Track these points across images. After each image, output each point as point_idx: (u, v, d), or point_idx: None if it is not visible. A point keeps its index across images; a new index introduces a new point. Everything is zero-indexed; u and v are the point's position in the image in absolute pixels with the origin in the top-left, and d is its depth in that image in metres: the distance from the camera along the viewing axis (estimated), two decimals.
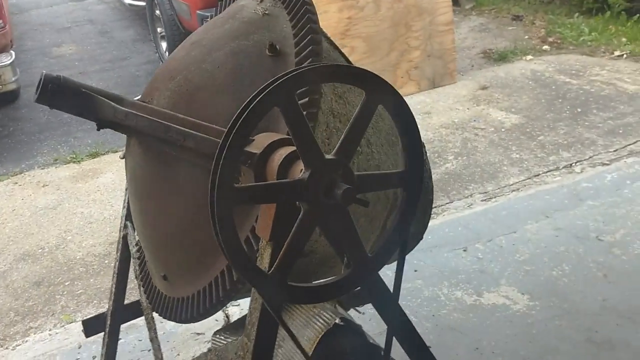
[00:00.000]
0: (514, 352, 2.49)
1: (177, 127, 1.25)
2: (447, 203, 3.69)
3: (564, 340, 2.53)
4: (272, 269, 1.05)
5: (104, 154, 4.85)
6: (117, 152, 4.86)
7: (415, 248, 3.07)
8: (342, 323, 1.35)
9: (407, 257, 2.98)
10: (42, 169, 4.72)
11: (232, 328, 1.66)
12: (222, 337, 1.64)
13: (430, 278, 2.98)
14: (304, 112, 1.24)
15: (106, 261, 3.43)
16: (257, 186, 1.03)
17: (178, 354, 2.68)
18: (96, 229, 3.76)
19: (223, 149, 0.96)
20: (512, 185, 3.83)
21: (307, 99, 1.29)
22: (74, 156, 4.84)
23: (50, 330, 2.95)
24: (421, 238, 1.94)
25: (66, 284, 3.30)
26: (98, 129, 1.44)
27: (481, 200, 3.69)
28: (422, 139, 1.20)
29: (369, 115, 1.10)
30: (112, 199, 4.10)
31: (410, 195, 1.18)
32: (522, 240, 3.24)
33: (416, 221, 1.78)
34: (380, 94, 1.09)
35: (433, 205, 3.64)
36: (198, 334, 2.72)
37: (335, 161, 1.06)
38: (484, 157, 4.23)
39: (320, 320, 1.35)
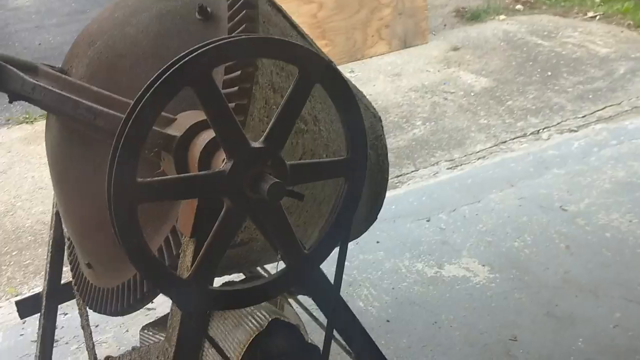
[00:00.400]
0: (472, 326, 2.44)
1: (88, 103, 1.09)
2: (412, 171, 3.60)
3: (523, 314, 2.49)
4: (190, 274, 0.93)
5: None
6: None
7: (379, 218, 2.99)
8: (276, 323, 1.24)
9: (369, 228, 2.89)
10: None
11: (161, 323, 1.54)
12: (150, 334, 1.53)
13: (392, 250, 2.91)
14: (237, 88, 1.11)
15: None
16: (164, 181, 0.90)
17: (127, 330, 2.58)
18: (47, 195, 3.58)
19: (120, 138, 0.82)
20: (478, 152, 3.74)
21: (239, 72, 1.15)
22: (27, 116, 4.61)
23: None
24: (375, 219, 1.83)
25: (13, 253, 3.15)
26: (10, 102, 1.28)
27: (447, 169, 3.60)
28: (365, 124, 1.07)
29: (303, 97, 0.97)
30: None
31: (353, 185, 1.06)
32: (485, 210, 3.17)
33: (370, 203, 1.67)
34: (317, 71, 0.96)
35: (400, 174, 3.57)
36: (149, 309, 2.61)
37: (263, 150, 0.94)
38: (452, 122, 4.13)
39: (253, 321, 1.25)
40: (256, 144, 0.93)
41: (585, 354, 2.28)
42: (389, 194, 3.17)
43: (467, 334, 2.41)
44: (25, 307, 1.97)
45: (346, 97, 1.01)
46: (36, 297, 1.98)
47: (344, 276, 2.55)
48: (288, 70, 1.32)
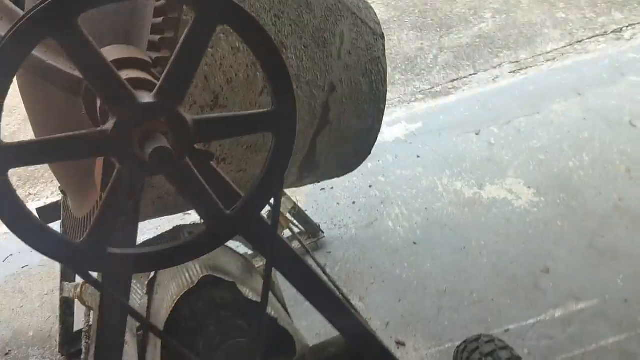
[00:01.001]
0: (503, 254, 2.30)
1: None
2: (470, 75, 3.30)
3: (561, 243, 2.30)
4: (84, 237, 0.86)
5: None
6: None
7: (424, 130, 2.79)
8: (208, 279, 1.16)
9: (412, 140, 2.69)
10: None
11: (197, 225, 1.48)
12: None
13: (432, 166, 2.73)
14: (158, 38, 0.97)
15: None
16: (32, 143, 0.80)
17: None
18: None
19: None
20: (548, 53, 3.36)
21: (161, 19, 0.99)
22: None
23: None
24: (367, 154, 1.65)
25: None
26: None
27: (509, 72, 3.28)
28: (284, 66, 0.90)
29: (203, 41, 0.82)
30: None
31: (282, 140, 0.92)
32: (543, 122, 2.88)
33: (360, 139, 1.51)
34: (218, 10, 0.80)
35: (456, 77, 3.29)
36: (185, 213, 2.63)
37: (154, 105, 0.81)
38: (525, 15, 3.70)
39: (186, 275, 1.18)
40: (146, 99, 0.81)
41: (622, 292, 2.09)
42: (438, 101, 2.94)
43: (495, 262, 2.27)
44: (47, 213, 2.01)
45: (262, 40, 0.84)
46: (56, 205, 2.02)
47: (376, 192, 2.43)
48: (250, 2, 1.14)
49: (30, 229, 0.81)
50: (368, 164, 2.76)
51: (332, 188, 2.69)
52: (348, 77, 1.40)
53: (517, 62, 3.34)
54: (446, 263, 2.30)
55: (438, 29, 3.63)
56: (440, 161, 2.76)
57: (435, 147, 2.83)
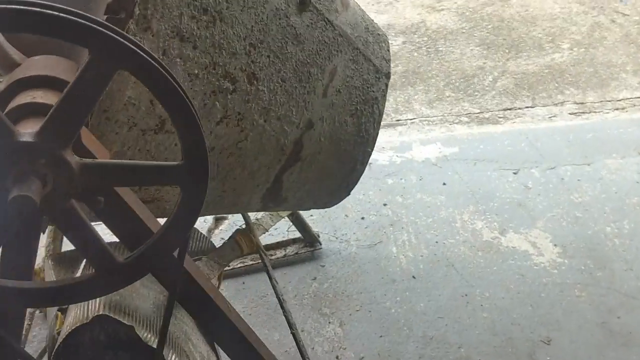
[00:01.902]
0: (506, 313, 2.12)
1: None
2: (527, 107, 3.07)
3: (573, 315, 2.10)
4: None
5: None
6: None
7: (459, 157, 2.61)
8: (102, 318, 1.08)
9: (442, 165, 2.53)
10: None
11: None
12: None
13: (456, 197, 2.56)
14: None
15: None
16: None
17: None
18: None
19: None
20: (619, 101, 3.07)
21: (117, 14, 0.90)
22: None
23: None
24: (346, 194, 1.52)
25: None
26: None
27: (570, 113, 3.02)
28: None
29: (98, 85, 0.72)
30: None
31: (190, 196, 0.82)
32: (592, 177, 2.64)
33: (340, 178, 1.39)
34: (116, 54, 0.70)
35: (510, 107, 3.06)
36: None
37: (32, 146, 0.73)
38: (606, 54, 3.40)
39: (85, 308, 1.10)
40: (25, 137, 0.73)
41: None
42: (483, 129, 2.76)
43: (495, 319, 2.11)
44: None
45: (169, 90, 0.74)
46: None
47: (389, 212, 2.28)
48: (219, 14, 1.04)
49: None
50: (389, 180, 2.63)
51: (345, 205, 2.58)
52: (331, 116, 1.27)
53: (582, 103, 3.08)
54: (442, 307, 2.16)
55: (506, 50, 3.39)
56: (466, 194, 2.58)
57: (466, 177, 2.65)
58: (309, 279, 2.28)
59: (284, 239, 2.37)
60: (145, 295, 1.07)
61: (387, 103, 3.01)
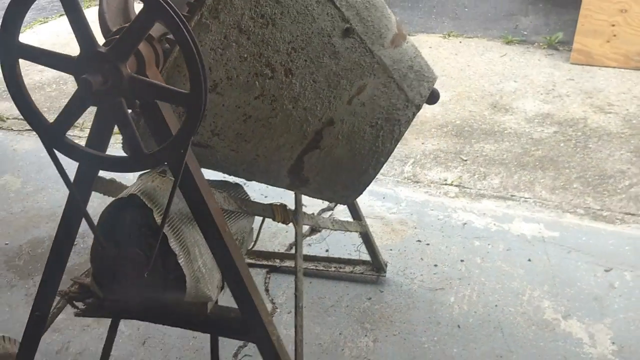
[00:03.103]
0: None
1: None
2: None
3: None
4: (53, 122, 1.31)
5: None
6: (408, 35, 5.09)
7: (556, 242, 2.67)
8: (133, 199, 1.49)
9: (535, 244, 2.62)
10: None
11: None
12: None
13: (536, 274, 2.61)
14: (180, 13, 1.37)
15: None
16: (37, 49, 1.26)
17: None
18: None
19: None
20: None
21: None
22: None
23: None
24: (356, 194, 1.77)
25: None
26: None
27: None
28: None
29: (144, 28, 1.18)
30: None
31: (189, 117, 1.24)
32: None
33: (352, 175, 1.68)
34: (159, 10, 1.15)
35: (633, 212, 2.98)
36: None
37: (103, 55, 1.21)
38: None
39: (130, 188, 1.54)
40: (101, 49, 1.21)
41: None
42: (594, 224, 2.78)
43: None
44: None
45: (180, 37, 1.16)
46: None
47: (462, 268, 2.53)
48: (272, 20, 1.46)
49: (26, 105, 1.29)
50: (476, 242, 2.78)
51: (427, 244, 2.79)
52: (351, 121, 1.60)
53: None
54: (474, 359, 2.26)
55: None
56: (547, 275, 2.61)
57: (554, 261, 2.68)
58: (365, 297, 2.54)
59: (355, 257, 2.67)
60: (175, 201, 1.49)
61: (509, 178, 3.17)
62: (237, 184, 1.86)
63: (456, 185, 3.23)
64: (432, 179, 3.31)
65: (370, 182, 1.72)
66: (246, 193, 1.88)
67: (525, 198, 3.11)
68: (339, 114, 1.58)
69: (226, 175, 1.78)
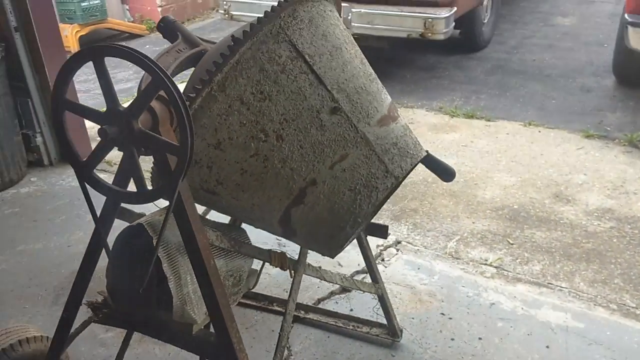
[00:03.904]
0: None
1: None
2: None
3: None
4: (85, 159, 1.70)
5: (477, 119, 5.30)
6: (488, 120, 5.26)
7: (580, 333, 2.69)
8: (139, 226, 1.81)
9: (558, 332, 2.71)
10: (421, 109, 5.58)
11: None
12: None
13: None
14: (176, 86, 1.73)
15: None
16: (79, 105, 1.66)
17: None
18: None
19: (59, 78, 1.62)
20: None
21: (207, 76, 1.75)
22: (453, 110, 5.47)
23: None
24: (333, 251, 1.98)
25: None
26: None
27: None
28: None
29: (150, 95, 1.55)
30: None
31: (179, 164, 1.57)
32: None
33: (330, 230, 1.90)
34: (159, 81, 1.52)
35: None
36: None
37: (122, 112, 1.58)
38: None
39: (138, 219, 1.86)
40: (120, 107, 1.59)
41: None
42: (623, 320, 2.88)
43: None
44: None
45: (173, 99, 1.51)
46: None
47: (477, 346, 2.76)
48: (269, 96, 1.79)
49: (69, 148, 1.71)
50: (499, 323, 2.84)
51: (450, 318, 2.89)
52: (332, 183, 1.85)
53: None
54: None
55: None
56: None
57: (572, 351, 2.67)
58: (376, 358, 2.69)
59: (372, 318, 2.83)
60: (176, 234, 1.81)
61: (551, 266, 3.21)
62: (241, 229, 2.16)
63: (495, 267, 3.31)
64: (473, 257, 3.40)
65: (348, 239, 1.94)
66: (247, 237, 2.17)
67: (562, 287, 3.11)
68: (322, 176, 1.84)
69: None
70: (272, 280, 3.17)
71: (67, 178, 4.50)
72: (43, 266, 3.46)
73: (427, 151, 2.36)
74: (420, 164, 2.14)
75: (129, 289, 1.83)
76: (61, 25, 7.68)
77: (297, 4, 1.87)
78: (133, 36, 8.49)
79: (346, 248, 3.29)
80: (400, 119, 2.05)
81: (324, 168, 1.84)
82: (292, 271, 2.20)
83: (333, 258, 2.03)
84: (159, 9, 8.62)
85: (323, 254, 2.03)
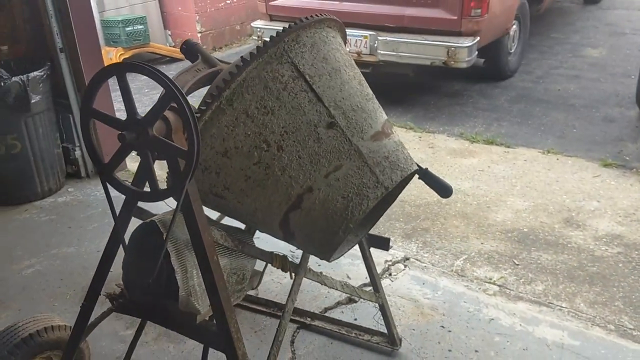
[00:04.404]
0: None
1: None
2: None
3: None
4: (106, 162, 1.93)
5: (496, 145, 5.42)
6: (507, 147, 5.37)
7: (572, 350, 2.82)
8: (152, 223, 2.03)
9: (553, 349, 2.82)
10: (443, 134, 5.73)
11: None
12: None
13: None
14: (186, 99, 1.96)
15: None
16: (103, 114, 1.90)
17: None
18: None
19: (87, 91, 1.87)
20: None
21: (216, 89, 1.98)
22: (474, 136, 5.61)
23: None
24: (326, 255, 2.14)
25: None
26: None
27: None
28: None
29: (164, 106, 1.78)
30: (459, 176, 4.82)
31: (188, 164, 1.79)
32: None
33: (322, 236, 2.07)
34: (172, 94, 1.74)
35: None
36: None
37: (139, 120, 1.81)
38: None
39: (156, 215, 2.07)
40: (138, 116, 1.82)
41: None
42: (619, 340, 3.02)
43: None
44: None
45: (186, 119, 1.74)
46: None
47: (473, 357, 2.81)
48: (272, 111, 2.01)
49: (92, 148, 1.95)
50: (496, 338, 2.95)
51: (449, 331, 3.01)
52: (326, 191, 2.03)
53: None
54: None
55: None
56: None
57: None
58: None
59: (374, 327, 2.98)
60: (185, 232, 2.01)
61: (553, 287, 3.31)
62: (246, 232, 2.36)
63: (498, 285, 3.42)
64: (478, 275, 3.52)
65: (341, 243, 2.11)
66: (252, 239, 2.37)
67: (561, 307, 3.20)
68: (317, 184, 2.03)
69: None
70: (283, 289, 3.35)
71: (101, 190, 4.78)
72: (73, 268, 3.72)
73: (426, 168, 2.54)
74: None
75: (141, 280, 2.04)
76: (106, 48, 8.19)
77: (300, 30, 2.09)
78: (173, 60, 8.88)
79: (355, 262, 3.45)
80: (394, 136, 2.24)
81: (320, 177, 2.04)
82: (293, 274, 2.38)
83: (328, 261, 2.20)
84: (199, 35, 9.02)
85: (319, 257, 2.21)
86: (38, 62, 4.54)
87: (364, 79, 2.30)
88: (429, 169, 2.48)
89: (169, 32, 9.56)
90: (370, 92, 2.28)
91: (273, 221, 2.13)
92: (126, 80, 1.82)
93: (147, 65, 1.78)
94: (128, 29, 8.33)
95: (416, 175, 2.36)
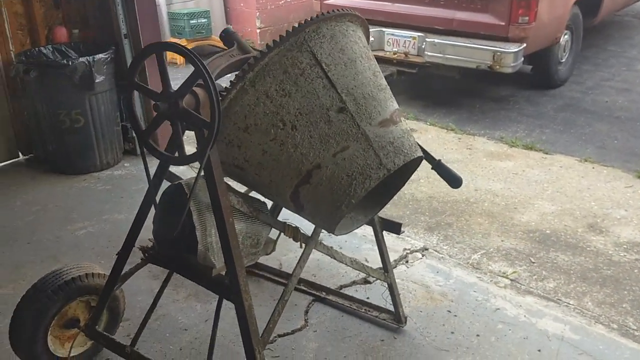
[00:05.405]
0: None
1: None
2: None
3: None
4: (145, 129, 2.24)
5: (535, 150, 5.50)
6: (545, 153, 5.45)
7: (571, 343, 2.97)
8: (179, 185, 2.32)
9: (554, 341, 2.98)
10: (483, 137, 5.84)
11: None
12: None
13: None
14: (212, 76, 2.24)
15: None
16: (144, 87, 2.19)
17: None
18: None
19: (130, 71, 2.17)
20: None
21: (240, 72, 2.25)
22: (513, 141, 5.70)
23: None
24: (330, 227, 2.36)
25: None
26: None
27: None
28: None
29: (193, 81, 2.06)
30: (492, 177, 4.95)
31: (209, 134, 2.07)
32: None
33: (328, 208, 2.30)
34: (199, 71, 2.03)
35: None
36: None
37: (171, 93, 2.10)
38: None
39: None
40: (172, 90, 2.11)
41: None
42: (620, 339, 3.13)
43: None
44: None
45: (209, 92, 2.01)
46: None
47: (474, 341, 2.98)
48: (289, 94, 2.26)
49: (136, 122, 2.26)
50: (499, 325, 3.11)
51: (455, 316, 3.19)
52: (333, 169, 2.26)
53: None
54: None
55: None
56: None
57: (562, 357, 2.89)
58: (379, 338, 3.05)
59: (383, 306, 3.20)
60: (208, 196, 2.30)
61: (565, 286, 3.45)
62: (263, 202, 2.63)
63: (510, 279, 3.56)
64: (492, 269, 3.67)
65: (343, 216, 2.34)
66: (267, 209, 2.63)
67: (569, 304, 3.32)
68: (325, 162, 2.28)
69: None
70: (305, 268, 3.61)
71: (154, 167, 5.18)
72: (121, 233, 4.04)
73: (439, 160, 2.75)
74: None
75: (168, 234, 2.35)
76: (172, 39, 8.67)
77: (321, 22, 2.33)
78: None
79: (374, 248, 3.65)
80: (402, 124, 2.45)
81: (328, 155, 2.28)
82: (304, 244, 2.63)
83: (333, 233, 2.44)
84: (258, 31, 9.40)
85: (325, 229, 2.45)
86: (104, 46, 4.98)
87: (379, 70, 2.52)
88: (444, 163, 2.70)
89: (231, 27, 9.97)
90: (384, 83, 2.51)
91: (285, 193, 2.39)
92: (163, 57, 2.12)
93: (181, 45, 2.07)
94: (192, 21, 8.79)
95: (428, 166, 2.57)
